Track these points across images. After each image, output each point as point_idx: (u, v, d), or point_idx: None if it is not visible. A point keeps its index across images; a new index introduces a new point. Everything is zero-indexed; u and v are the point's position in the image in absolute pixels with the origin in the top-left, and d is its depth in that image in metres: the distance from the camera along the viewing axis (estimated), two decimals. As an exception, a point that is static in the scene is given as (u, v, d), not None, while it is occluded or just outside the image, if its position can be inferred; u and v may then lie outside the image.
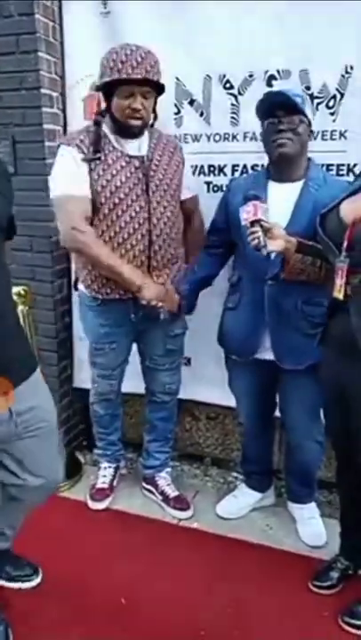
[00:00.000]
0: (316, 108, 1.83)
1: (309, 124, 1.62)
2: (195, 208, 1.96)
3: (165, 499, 2.10)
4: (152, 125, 1.79)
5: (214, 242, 1.86)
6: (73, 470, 2.27)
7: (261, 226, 1.46)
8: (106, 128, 1.73)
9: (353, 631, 1.57)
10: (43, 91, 2.00)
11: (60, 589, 1.71)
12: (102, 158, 1.70)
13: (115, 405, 2.13)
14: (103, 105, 1.76)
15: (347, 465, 1.60)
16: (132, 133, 1.71)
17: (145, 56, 1.61)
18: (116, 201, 1.70)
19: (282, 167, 1.63)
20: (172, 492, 2.11)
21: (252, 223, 1.46)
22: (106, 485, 2.16)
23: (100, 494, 2.13)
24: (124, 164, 1.71)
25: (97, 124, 1.72)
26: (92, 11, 2.02)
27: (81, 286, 1.91)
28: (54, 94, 2.08)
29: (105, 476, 2.19)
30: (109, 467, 2.21)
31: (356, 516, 1.67)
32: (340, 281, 1.33)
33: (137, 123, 1.67)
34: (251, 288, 1.71)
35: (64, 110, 2.14)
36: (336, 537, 1.91)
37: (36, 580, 1.73)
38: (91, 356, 2.01)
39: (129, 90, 1.62)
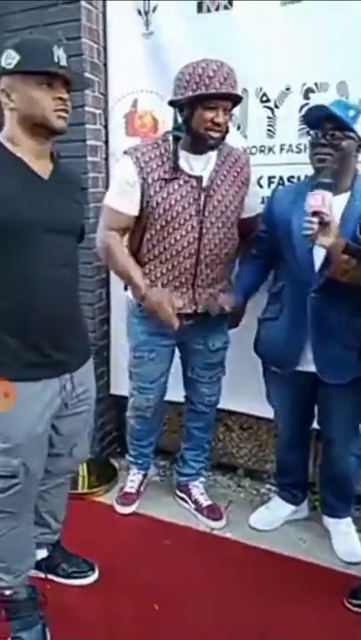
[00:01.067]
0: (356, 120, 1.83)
1: (357, 139, 1.57)
2: (255, 226, 1.90)
3: (198, 507, 2.10)
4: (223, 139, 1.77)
5: (256, 252, 1.87)
6: (108, 476, 2.30)
7: (321, 219, 1.45)
8: (173, 144, 1.73)
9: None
10: (87, 108, 2.10)
11: (93, 592, 1.74)
12: (161, 174, 1.72)
13: (151, 423, 2.12)
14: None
15: None
16: (209, 147, 1.72)
17: (230, 72, 1.63)
18: (169, 219, 1.73)
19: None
20: (205, 502, 2.11)
21: (314, 213, 1.45)
22: (133, 490, 2.18)
23: (127, 498, 2.15)
24: (182, 182, 1.72)
25: (175, 139, 1.71)
26: (134, 33, 2.12)
27: (129, 292, 1.93)
28: (97, 111, 2.18)
29: (133, 480, 2.21)
30: (138, 473, 2.24)
31: None
32: None
33: (217, 135, 1.68)
34: (293, 299, 1.69)
35: (106, 127, 2.24)
36: (372, 553, 1.88)
37: (93, 577, 1.77)
38: (130, 366, 2.03)
39: (214, 104, 1.63)
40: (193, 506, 2.13)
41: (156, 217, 1.74)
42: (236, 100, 1.68)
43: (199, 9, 2.00)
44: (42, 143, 1.34)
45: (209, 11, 1.99)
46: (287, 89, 1.93)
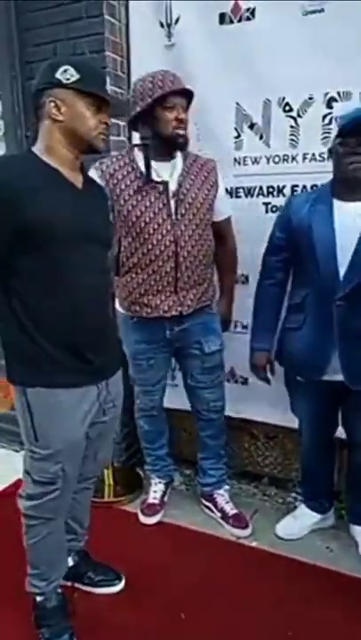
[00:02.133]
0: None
1: None
2: (228, 229, 1.99)
3: (224, 516, 2.11)
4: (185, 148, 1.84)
5: (274, 264, 1.82)
6: (134, 485, 2.32)
7: None
8: (137, 153, 1.80)
9: None
10: (111, 120, 2.12)
11: (120, 601, 1.75)
12: (128, 184, 1.78)
13: (159, 421, 2.17)
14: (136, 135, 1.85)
15: None
16: (180, 146, 1.78)
17: (175, 75, 1.75)
18: (142, 225, 1.78)
19: (352, 187, 1.60)
20: (230, 510, 2.11)
21: None
22: (156, 501, 2.18)
23: (151, 509, 2.15)
24: (149, 189, 1.77)
25: (144, 146, 1.78)
26: (157, 45, 2.14)
27: (117, 304, 1.98)
28: (122, 123, 2.21)
29: (155, 491, 2.21)
30: (160, 482, 2.24)
31: None
32: None
33: (184, 132, 1.76)
34: (317, 308, 1.68)
35: (129, 138, 2.26)
36: None
37: (120, 585, 1.78)
38: (131, 372, 2.06)
39: (172, 103, 1.72)
40: (219, 514, 2.13)
41: (129, 225, 1.79)
42: (189, 96, 1.78)
43: (221, 20, 2.02)
44: (78, 156, 1.39)
45: (231, 22, 2.00)
46: (310, 98, 1.93)
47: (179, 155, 1.84)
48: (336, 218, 1.62)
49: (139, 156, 1.80)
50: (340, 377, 1.70)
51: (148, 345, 1.96)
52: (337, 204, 1.64)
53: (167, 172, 1.81)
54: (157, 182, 1.78)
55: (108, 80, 2.08)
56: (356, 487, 1.93)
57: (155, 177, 1.78)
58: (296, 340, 1.77)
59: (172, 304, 1.86)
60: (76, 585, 1.78)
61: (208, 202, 1.86)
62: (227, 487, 2.21)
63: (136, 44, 2.18)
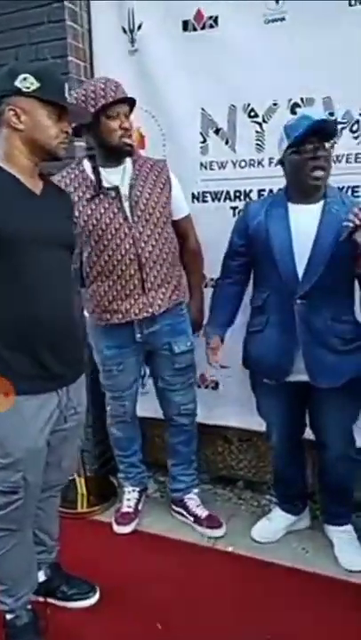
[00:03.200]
0: (341, 133, 1.87)
1: None
2: (189, 227, 2.00)
3: (197, 519, 2.10)
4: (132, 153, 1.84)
5: (234, 267, 1.84)
6: (107, 494, 2.28)
7: None
8: (86, 163, 1.81)
9: None
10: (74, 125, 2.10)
11: (95, 614, 1.71)
12: (80, 195, 1.78)
13: (131, 428, 2.14)
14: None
15: None
16: (128, 154, 1.79)
17: (117, 82, 1.75)
18: (100, 232, 1.78)
19: (308, 192, 1.64)
20: (203, 513, 2.10)
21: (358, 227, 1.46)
22: (131, 509, 2.15)
23: (125, 518, 2.12)
24: (101, 197, 1.78)
25: (91, 157, 1.79)
26: (120, 50, 2.14)
27: (85, 312, 1.97)
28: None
29: (129, 499, 2.18)
30: (133, 490, 2.21)
31: None
32: None
33: (130, 140, 1.77)
34: (279, 308, 1.71)
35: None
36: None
37: (94, 598, 1.74)
38: (101, 379, 2.05)
39: (115, 112, 1.72)
40: (191, 518, 2.11)
41: (87, 234, 1.79)
42: (132, 104, 1.78)
43: (185, 27, 2.03)
44: (37, 164, 1.39)
45: (195, 29, 2.02)
46: (274, 104, 1.96)
47: (128, 159, 1.84)
48: (292, 220, 1.66)
49: (87, 166, 1.81)
50: (304, 377, 1.72)
51: (118, 350, 1.94)
52: (292, 207, 1.68)
53: (118, 176, 1.81)
54: (109, 188, 1.79)
55: (71, 86, 2.06)
56: (327, 488, 1.95)
57: (105, 184, 1.79)
58: (260, 342, 1.78)
59: (142, 306, 1.85)
60: (49, 600, 1.73)
61: (162, 201, 1.86)
62: (196, 491, 2.20)
63: (99, 50, 2.17)
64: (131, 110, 1.80)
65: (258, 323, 1.78)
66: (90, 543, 2.04)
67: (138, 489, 2.22)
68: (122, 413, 2.09)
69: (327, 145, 1.62)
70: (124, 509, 2.15)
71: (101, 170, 1.79)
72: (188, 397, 2.06)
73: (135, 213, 1.80)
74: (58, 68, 2.01)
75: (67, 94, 1.35)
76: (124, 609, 1.72)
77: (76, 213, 1.75)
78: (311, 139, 1.57)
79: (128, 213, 1.80)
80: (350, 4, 1.79)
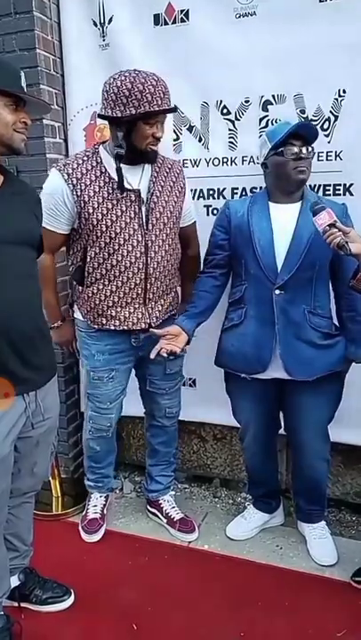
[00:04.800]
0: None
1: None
2: (193, 235, 1.96)
3: (170, 521, 2.09)
4: None
5: (215, 259, 1.81)
6: (82, 495, 2.26)
7: (338, 228, 1.48)
8: (104, 154, 1.71)
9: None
10: (45, 122, 2.06)
11: (70, 617, 1.70)
12: (96, 190, 1.68)
13: (110, 441, 2.07)
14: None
15: None
16: (148, 161, 1.72)
17: (165, 85, 1.63)
18: (112, 235, 1.70)
19: (291, 191, 1.68)
20: (176, 515, 2.09)
21: (330, 226, 1.48)
22: (98, 515, 2.09)
23: (94, 525, 2.06)
24: (119, 197, 1.69)
25: (118, 156, 1.67)
26: (90, 44, 2.09)
27: (77, 313, 1.89)
28: (56, 124, 2.14)
29: (96, 505, 2.12)
30: (101, 496, 2.15)
31: None
32: None
33: (156, 149, 1.71)
34: (258, 300, 1.71)
35: (66, 140, 2.20)
36: (347, 555, 1.92)
37: (69, 601, 1.73)
38: (88, 388, 1.95)
39: (155, 120, 1.62)
40: (165, 520, 2.11)
41: (98, 234, 1.71)
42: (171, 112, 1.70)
43: (156, 21, 2.00)
44: None
45: (166, 23, 1.99)
46: (246, 101, 1.95)
47: None
48: (273, 216, 1.71)
49: (106, 159, 1.71)
50: (279, 374, 1.73)
51: (110, 355, 1.87)
52: (273, 206, 1.72)
53: (137, 177, 1.74)
54: (129, 190, 1.70)
55: (40, 79, 2.02)
56: (301, 487, 1.97)
57: (125, 184, 1.69)
58: (238, 335, 1.77)
59: (140, 316, 1.80)
60: (23, 605, 1.71)
61: (178, 209, 1.82)
62: (172, 492, 2.19)
63: (69, 43, 2.12)
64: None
65: (236, 316, 1.78)
66: (64, 545, 2.03)
67: (105, 495, 2.18)
68: (106, 428, 1.99)
69: (309, 148, 1.63)
70: (91, 516, 2.10)
71: (123, 167, 1.67)
72: (175, 401, 2.05)
73: (150, 221, 1.73)
74: (27, 59, 1.96)
75: (23, 84, 1.29)
76: (99, 611, 1.72)
77: (90, 210, 1.67)
78: (294, 142, 1.61)
79: (144, 220, 1.72)
80: (320, 1, 1.78)
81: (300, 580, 1.84)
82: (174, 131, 2.06)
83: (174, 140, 2.07)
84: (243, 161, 2.00)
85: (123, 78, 1.59)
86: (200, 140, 2.04)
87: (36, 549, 1.75)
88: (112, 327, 1.81)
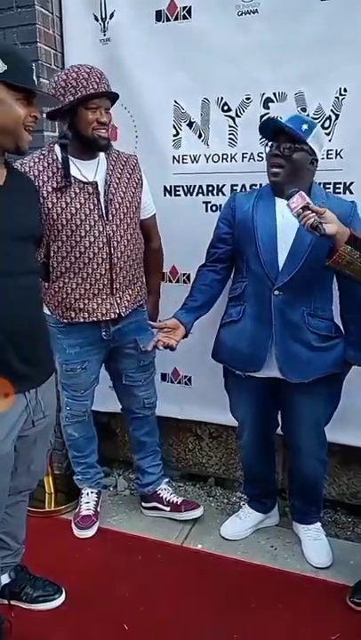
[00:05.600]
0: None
1: (311, 153, 1.60)
2: (154, 227, 1.97)
3: (174, 507, 2.09)
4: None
5: (217, 255, 1.80)
6: (75, 492, 2.23)
7: (312, 210, 1.46)
8: (60, 152, 1.72)
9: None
10: (45, 116, 2.05)
11: (61, 616, 1.67)
12: (54, 186, 1.70)
13: (88, 426, 2.09)
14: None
15: None
16: (101, 148, 1.74)
17: (101, 73, 1.69)
18: (73, 228, 1.72)
19: (277, 188, 1.66)
20: (178, 499, 2.11)
21: (303, 208, 1.47)
22: (91, 512, 2.09)
23: (86, 521, 2.05)
24: (77, 190, 1.72)
25: (63, 147, 1.71)
26: (91, 38, 2.09)
27: (45, 309, 1.87)
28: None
29: (88, 502, 2.12)
30: (92, 492, 2.15)
31: None
32: None
33: (105, 134, 1.72)
34: (256, 299, 1.70)
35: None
36: (342, 557, 1.90)
37: (60, 599, 1.71)
38: (62, 378, 1.96)
39: (95, 104, 1.67)
40: (168, 508, 2.10)
41: (59, 228, 1.73)
42: (113, 98, 1.73)
43: (158, 18, 1.99)
44: (2, 153, 1.33)
45: (168, 19, 1.98)
46: (247, 98, 1.94)
47: (101, 153, 1.79)
48: (278, 214, 1.67)
49: (59, 155, 1.73)
50: (275, 373, 1.71)
51: (81, 348, 1.88)
52: (279, 202, 1.68)
53: (92, 171, 1.76)
54: (86, 183, 1.73)
55: (41, 73, 2.02)
56: (297, 487, 1.95)
57: (80, 177, 1.73)
58: (235, 332, 1.76)
59: (109, 307, 1.82)
60: (14, 603, 1.69)
61: (136, 199, 1.84)
62: (166, 480, 2.20)
63: (70, 37, 2.12)
64: (112, 104, 1.74)
65: (235, 313, 1.76)
66: (57, 543, 2.00)
67: (96, 490, 2.17)
68: (82, 413, 2.03)
69: (284, 146, 1.58)
70: (84, 512, 2.09)
71: (75, 162, 1.73)
72: (151, 391, 2.07)
73: (110, 211, 1.76)
74: (28, 53, 1.94)
75: (34, 78, 1.29)
76: (91, 610, 1.69)
77: (49, 205, 1.69)
78: (279, 138, 1.59)
79: (104, 211, 1.75)
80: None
81: (294, 582, 1.81)
82: (174, 126, 2.05)
83: (174, 136, 2.06)
84: (243, 158, 1.99)
85: (59, 73, 1.69)
86: (200, 136, 2.03)
87: (28, 546, 1.73)
88: (81, 320, 1.81)
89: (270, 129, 1.63)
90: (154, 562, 1.91)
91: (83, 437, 2.09)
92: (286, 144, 1.58)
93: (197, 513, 2.07)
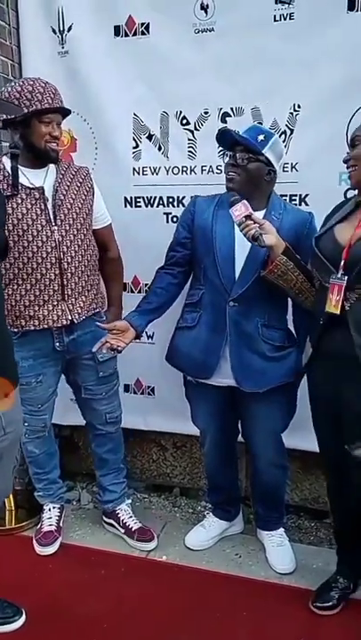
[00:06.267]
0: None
1: (268, 164, 1.63)
2: (111, 236, 1.98)
3: (128, 531, 2.04)
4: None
5: (175, 259, 1.80)
6: (37, 509, 2.18)
7: (253, 220, 1.51)
8: (5, 160, 1.73)
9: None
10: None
11: (21, 635, 1.62)
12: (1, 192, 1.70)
13: (49, 442, 2.04)
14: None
15: (340, 482, 1.61)
16: (52, 160, 1.76)
17: (56, 88, 1.72)
18: (20, 233, 1.71)
19: (245, 198, 1.64)
20: (134, 525, 2.05)
21: (246, 217, 1.51)
22: (53, 527, 2.03)
23: (48, 537, 2.00)
24: (24, 196, 1.72)
25: (13, 156, 1.71)
26: (49, 50, 2.09)
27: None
28: None
29: (50, 517, 2.06)
30: (54, 507, 2.09)
31: (351, 533, 1.69)
32: (336, 297, 1.41)
33: (57, 147, 1.74)
34: (213, 308, 1.71)
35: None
36: (305, 562, 1.92)
37: (20, 622, 1.65)
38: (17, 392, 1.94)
39: (48, 118, 1.69)
40: (122, 530, 2.06)
41: (6, 233, 1.70)
42: (65, 114, 1.76)
43: (116, 32, 2.02)
44: None
45: (126, 35, 2.01)
46: (205, 113, 1.99)
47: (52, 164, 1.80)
48: (236, 225, 1.66)
49: (7, 164, 1.73)
50: (231, 381, 1.73)
51: (35, 360, 1.83)
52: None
53: (40, 178, 1.77)
54: (32, 188, 1.73)
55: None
56: (259, 494, 1.97)
57: (27, 184, 1.73)
58: (189, 338, 1.77)
59: (60, 313, 1.79)
60: (-29, 627, 1.63)
61: (87, 206, 1.84)
62: (128, 501, 2.15)
63: (27, 49, 2.11)
64: (63, 118, 1.76)
65: (190, 319, 1.77)
66: (17, 561, 1.95)
67: (58, 505, 2.12)
68: (41, 428, 1.96)
69: (238, 155, 1.61)
70: (46, 528, 2.03)
71: (24, 170, 1.73)
72: (114, 405, 2.02)
73: (59, 216, 1.76)
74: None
75: None
76: (52, 630, 1.64)
77: None
78: (235, 148, 1.63)
79: (51, 215, 1.75)
80: (275, 20, 1.84)
81: (258, 589, 1.83)
82: (134, 138, 2.07)
83: (134, 148, 2.08)
84: (202, 170, 2.03)
85: (13, 84, 1.70)
86: (160, 149, 2.06)
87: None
88: (32, 327, 1.78)
89: (224, 140, 1.66)
90: (117, 576, 1.89)
91: (44, 453, 2.03)
92: (243, 154, 1.61)
93: (150, 546, 2.00)
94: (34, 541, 2.02)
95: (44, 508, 2.11)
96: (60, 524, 2.08)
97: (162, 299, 1.79)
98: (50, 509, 2.09)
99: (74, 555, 2.00)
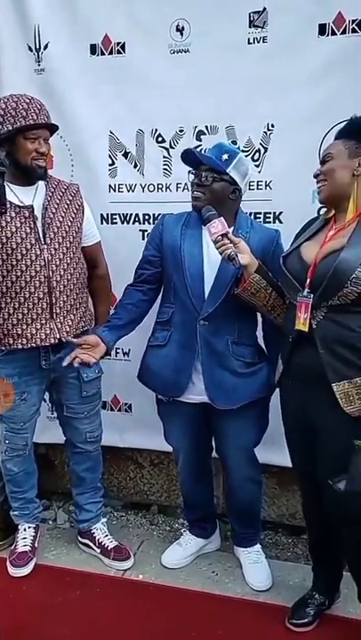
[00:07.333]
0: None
1: (232, 182, 1.63)
2: (100, 254, 1.98)
3: (104, 550, 2.02)
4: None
5: (144, 276, 1.80)
6: (9, 530, 2.14)
7: (230, 239, 1.52)
8: None
9: None
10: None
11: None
12: None
13: (29, 461, 2.02)
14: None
15: (313, 497, 1.62)
16: (39, 177, 1.75)
17: (42, 104, 1.71)
18: (9, 252, 1.71)
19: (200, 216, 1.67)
20: (110, 544, 2.03)
21: (222, 236, 1.52)
22: (27, 548, 2.00)
23: (22, 559, 1.97)
24: (13, 214, 1.71)
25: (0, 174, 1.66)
26: (26, 68, 2.10)
27: None
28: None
29: (25, 538, 2.03)
30: (29, 527, 2.06)
31: (326, 549, 1.69)
32: (304, 315, 1.42)
33: (44, 164, 1.74)
34: (183, 327, 1.71)
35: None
36: (282, 578, 1.92)
37: None
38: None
39: (34, 135, 1.68)
40: (98, 550, 2.03)
41: None
42: (52, 129, 1.76)
43: (92, 51, 2.04)
44: None
45: (103, 54, 2.03)
46: (180, 131, 2.01)
47: (40, 181, 1.79)
48: (204, 243, 1.70)
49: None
50: (203, 398, 1.73)
51: (19, 378, 1.83)
52: (206, 230, 1.68)
53: (30, 196, 1.76)
54: (22, 207, 1.73)
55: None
56: (234, 510, 1.96)
57: (17, 202, 1.73)
58: (160, 357, 1.77)
59: (48, 332, 1.78)
60: None
61: (76, 224, 1.84)
62: (104, 520, 2.13)
63: (4, 65, 2.12)
64: (51, 135, 1.76)
65: (161, 337, 1.77)
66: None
67: (34, 525, 2.09)
68: (22, 446, 1.94)
69: (203, 175, 1.63)
70: (20, 549, 2.00)
71: (13, 188, 1.72)
72: (95, 424, 2.01)
73: (48, 235, 1.75)
74: None
75: None
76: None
77: None
78: (200, 167, 1.64)
79: (41, 234, 1.74)
80: (248, 43, 1.88)
81: (235, 607, 1.81)
82: (109, 156, 2.09)
83: (110, 165, 2.10)
84: (177, 188, 2.05)
85: (2, 99, 1.69)
86: (135, 166, 2.08)
87: None
88: (20, 346, 1.77)
89: (187, 160, 1.67)
90: (93, 596, 1.86)
91: (23, 472, 2.00)
92: (207, 173, 1.62)
93: (126, 565, 1.98)
94: (7, 563, 1.98)
95: (19, 527, 2.07)
96: (35, 545, 2.05)
97: (132, 314, 1.79)
98: (25, 529, 2.06)
99: (48, 575, 1.96)
